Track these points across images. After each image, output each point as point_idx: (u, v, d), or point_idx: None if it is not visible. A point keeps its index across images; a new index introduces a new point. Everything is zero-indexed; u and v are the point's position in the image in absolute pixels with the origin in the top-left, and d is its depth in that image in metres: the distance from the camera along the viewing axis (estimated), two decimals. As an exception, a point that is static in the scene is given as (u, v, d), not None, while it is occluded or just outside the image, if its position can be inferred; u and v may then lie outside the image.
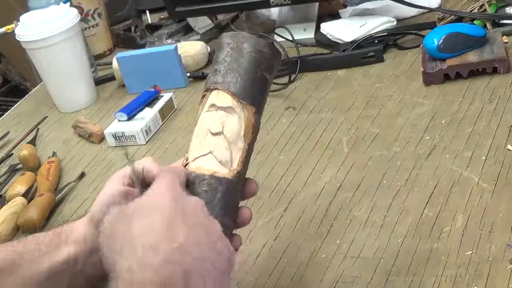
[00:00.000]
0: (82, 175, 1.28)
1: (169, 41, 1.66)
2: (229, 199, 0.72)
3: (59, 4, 1.55)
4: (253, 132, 0.74)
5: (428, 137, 1.11)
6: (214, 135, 0.72)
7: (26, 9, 1.61)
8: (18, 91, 2.54)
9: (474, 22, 1.37)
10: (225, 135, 0.72)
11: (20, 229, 1.16)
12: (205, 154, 0.72)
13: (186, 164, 0.73)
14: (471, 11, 1.41)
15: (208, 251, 0.64)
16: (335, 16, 1.57)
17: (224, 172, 0.71)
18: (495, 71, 1.22)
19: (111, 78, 1.61)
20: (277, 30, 1.51)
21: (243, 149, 0.73)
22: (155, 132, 1.36)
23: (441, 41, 1.24)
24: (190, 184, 0.71)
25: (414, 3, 1.45)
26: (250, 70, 0.75)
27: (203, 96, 0.75)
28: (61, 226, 0.76)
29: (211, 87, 0.74)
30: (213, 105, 0.73)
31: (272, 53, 0.76)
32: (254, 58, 0.75)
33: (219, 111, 0.73)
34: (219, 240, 0.66)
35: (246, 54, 0.75)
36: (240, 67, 0.74)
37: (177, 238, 0.62)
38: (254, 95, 0.75)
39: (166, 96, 1.41)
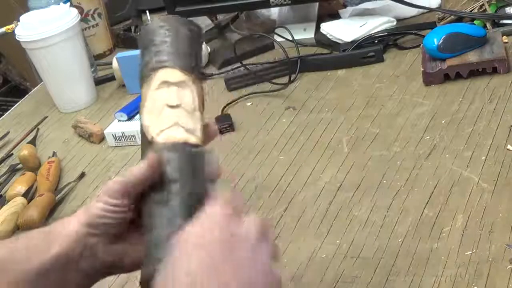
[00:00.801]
0: (82, 175, 1.28)
1: (169, 41, 1.66)
2: (204, 163, 0.72)
3: (59, 4, 1.55)
4: (203, 101, 0.77)
5: (428, 137, 1.11)
6: (173, 107, 0.74)
7: (26, 9, 1.61)
8: (18, 91, 2.54)
9: (474, 22, 1.37)
10: (183, 107, 0.74)
11: (20, 229, 1.16)
12: (171, 126, 0.73)
13: (151, 140, 0.73)
14: (471, 11, 1.41)
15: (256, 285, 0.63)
16: (335, 16, 1.57)
17: (195, 139, 0.73)
18: (495, 71, 1.22)
19: (111, 78, 1.61)
20: (277, 30, 1.51)
21: (200, 118, 0.75)
22: (155, 132, 1.36)
23: (441, 41, 1.24)
24: (165, 156, 0.71)
25: (414, 3, 1.45)
26: (190, 45, 0.78)
27: (147, 77, 0.76)
28: (53, 223, 0.76)
29: (157, 67, 0.76)
30: (164, 82, 0.75)
31: (197, 28, 0.81)
32: (189, 35, 0.79)
33: (171, 87, 0.75)
34: (269, 272, 0.65)
35: (182, 33, 0.78)
36: (181, 44, 0.77)
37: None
38: (198, 67, 0.78)
39: (166, 96, 1.41)
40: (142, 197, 0.71)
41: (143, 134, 0.74)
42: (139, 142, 1.32)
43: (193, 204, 0.68)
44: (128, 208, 0.71)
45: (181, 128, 0.73)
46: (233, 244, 0.63)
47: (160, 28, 0.78)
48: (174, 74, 0.75)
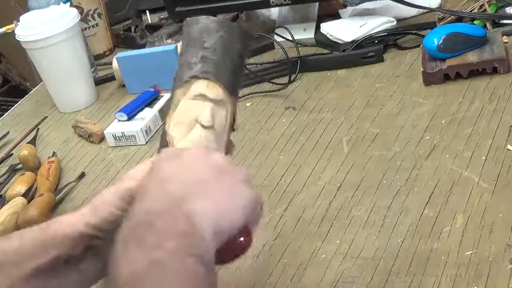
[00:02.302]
0: (82, 175, 1.28)
1: (169, 41, 1.66)
2: None
3: (59, 4, 1.55)
4: (233, 125, 0.74)
5: (428, 137, 1.11)
6: (205, 128, 0.71)
7: (26, 9, 1.61)
8: (18, 91, 2.54)
9: (474, 22, 1.37)
10: (215, 129, 0.71)
11: (20, 229, 1.16)
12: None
13: None
14: (471, 11, 1.41)
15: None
16: (335, 16, 1.57)
17: None
18: (495, 71, 1.22)
19: (111, 78, 1.61)
20: (277, 30, 1.51)
21: (225, 142, 0.73)
22: (155, 132, 1.36)
23: (441, 41, 1.24)
24: None
25: (414, 3, 1.45)
26: (239, 65, 0.74)
27: (185, 81, 0.72)
28: (50, 221, 0.73)
29: (199, 75, 0.72)
30: (202, 95, 0.71)
31: (249, 46, 0.76)
32: (242, 54, 0.74)
33: (207, 102, 0.71)
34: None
35: (235, 47, 0.73)
36: (230, 59, 0.73)
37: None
38: (238, 88, 0.75)
39: (166, 96, 1.41)
40: None
41: (164, 137, 0.72)
42: (139, 142, 1.33)
43: None
44: None
45: None
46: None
47: (216, 31, 0.73)
48: (216, 90, 0.71)
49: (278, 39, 1.49)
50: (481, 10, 1.40)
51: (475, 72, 1.23)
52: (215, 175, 0.64)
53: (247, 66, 1.44)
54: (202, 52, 0.72)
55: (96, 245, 0.69)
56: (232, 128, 0.74)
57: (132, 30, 1.79)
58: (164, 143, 0.71)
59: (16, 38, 1.50)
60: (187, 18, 0.76)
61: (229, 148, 0.74)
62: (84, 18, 1.71)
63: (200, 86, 0.71)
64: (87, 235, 0.69)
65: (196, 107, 0.71)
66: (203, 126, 0.70)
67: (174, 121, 0.71)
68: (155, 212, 0.60)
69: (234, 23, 0.74)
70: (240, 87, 0.75)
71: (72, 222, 0.70)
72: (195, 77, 0.72)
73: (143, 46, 1.69)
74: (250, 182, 0.66)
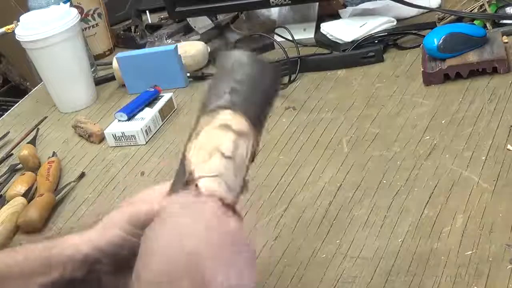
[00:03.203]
0: (82, 175, 1.28)
1: (169, 41, 1.66)
2: None
3: (59, 4, 1.55)
4: (253, 159, 0.74)
5: (428, 137, 1.11)
6: (225, 158, 0.70)
7: (26, 9, 1.61)
8: (18, 91, 2.54)
9: (474, 22, 1.37)
10: (235, 160, 0.70)
11: (20, 229, 1.16)
12: (215, 176, 0.69)
13: (190, 177, 0.70)
14: (471, 11, 1.41)
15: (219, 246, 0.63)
16: (335, 16, 1.57)
17: (229, 198, 0.70)
18: (495, 71, 1.22)
19: (111, 78, 1.61)
20: (277, 30, 1.51)
21: (245, 173, 0.72)
22: (155, 132, 1.36)
23: (441, 41, 1.24)
24: None
25: (414, 3, 1.45)
26: (268, 100, 0.75)
27: (212, 110, 0.72)
28: (57, 237, 0.72)
29: (227, 106, 0.72)
30: (226, 126, 0.71)
31: (279, 85, 0.77)
32: (271, 90, 0.75)
33: (231, 133, 0.71)
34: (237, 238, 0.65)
35: (266, 84, 0.74)
36: (260, 94, 0.73)
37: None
38: (263, 123, 0.75)
39: (166, 96, 1.41)
40: None
41: (182, 161, 0.71)
42: (139, 142, 1.33)
43: None
44: None
45: (223, 183, 0.69)
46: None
47: (248, 65, 0.73)
48: (240, 123, 0.71)
49: (278, 39, 1.49)
50: (481, 10, 1.40)
51: (475, 72, 1.23)
52: (231, 243, 0.64)
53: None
54: (232, 83, 0.73)
55: (99, 270, 0.69)
56: (252, 161, 0.74)
57: (132, 30, 1.79)
58: (182, 167, 0.71)
59: (16, 38, 1.50)
60: (222, 51, 0.76)
61: (245, 182, 0.74)
62: (84, 18, 1.71)
63: (226, 117, 0.71)
64: (91, 257, 0.68)
65: (219, 136, 0.71)
66: (223, 156, 0.70)
67: (195, 147, 0.71)
68: (173, 275, 0.60)
69: (266, 59, 0.74)
70: (266, 122, 0.75)
71: (78, 244, 0.69)
72: (222, 107, 0.72)
73: (143, 46, 1.69)
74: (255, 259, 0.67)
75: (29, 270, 0.69)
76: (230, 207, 0.67)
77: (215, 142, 0.70)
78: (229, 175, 0.70)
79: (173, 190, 0.71)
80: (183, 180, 0.70)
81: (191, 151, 0.71)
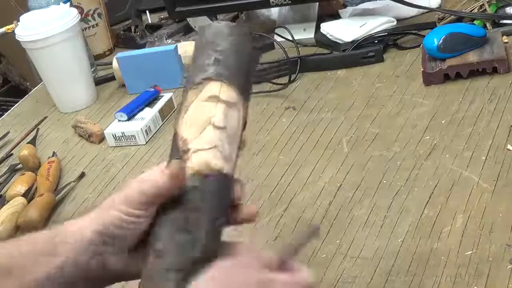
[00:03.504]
0: (82, 175, 1.28)
1: (169, 41, 1.66)
2: (230, 195, 0.71)
3: (59, 4, 1.55)
4: (244, 128, 0.74)
5: (428, 137, 1.11)
6: (218, 128, 0.70)
7: (26, 9, 1.61)
8: (18, 91, 2.54)
9: (474, 22, 1.37)
10: (227, 130, 0.71)
11: (20, 229, 1.16)
12: (210, 148, 0.69)
13: (185, 152, 0.70)
14: (471, 11, 1.41)
15: None
16: (335, 16, 1.57)
17: (228, 168, 0.70)
18: (495, 71, 1.22)
19: (111, 78, 1.61)
20: (277, 30, 1.51)
21: (237, 145, 0.72)
22: (155, 132, 1.36)
23: (441, 41, 1.24)
24: (196, 182, 0.69)
25: (414, 3, 1.45)
26: (251, 65, 0.75)
27: (198, 83, 0.72)
28: (57, 227, 0.72)
29: (212, 77, 0.71)
30: (215, 97, 0.71)
31: (259, 48, 0.77)
32: (253, 54, 0.75)
33: (220, 104, 0.71)
34: None
35: (247, 50, 0.74)
36: (243, 62, 0.73)
37: None
38: (250, 91, 0.75)
39: (166, 96, 1.41)
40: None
41: (175, 138, 0.71)
42: (139, 142, 1.33)
43: (215, 241, 0.67)
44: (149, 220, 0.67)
45: (219, 153, 0.69)
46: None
47: (228, 35, 0.73)
48: (229, 93, 0.71)
49: (278, 39, 1.49)
50: (481, 10, 1.40)
51: (475, 72, 1.23)
52: None
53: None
54: (215, 55, 0.72)
55: (103, 254, 0.68)
56: (243, 129, 0.74)
57: (132, 30, 1.79)
58: (175, 143, 0.71)
59: (16, 38, 1.50)
60: (200, 25, 0.76)
61: (241, 147, 0.74)
62: (84, 18, 1.71)
63: (213, 88, 0.71)
64: (93, 242, 0.68)
65: (209, 108, 0.71)
66: (215, 127, 0.70)
67: (186, 122, 0.71)
68: None
69: (246, 27, 0.74)
70: (251, 89, 0.75)
71: (79, 229, 0.70)
72: (209, 79, 0.72)
73: (143, 46, 1.69)
74: None
75: (34, 260, 0.69)
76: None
77: (206, 114, 0.70)
78: (224, 146, 0.70)
79: (169, 163, 0.70)
80: (178, 155, 0.69)
81: (182, 126, 0.71)
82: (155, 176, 0.68)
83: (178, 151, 0.70)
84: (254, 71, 0.75)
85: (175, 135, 0.71)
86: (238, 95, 0.72)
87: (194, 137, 0.70)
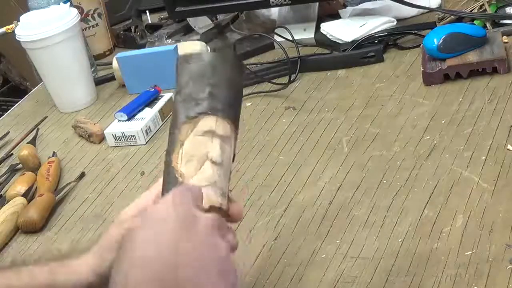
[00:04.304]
0: (82, 175, 1.28)
1: (169, 41, 1.66)
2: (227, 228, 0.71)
3: (59, 4, 1.55)
4: (233, 160, 0.74)
5: (428, 137, 1.11)
6: (216, 164, 0.70)
7: (26, 9, 1.61)
8: (18, 91, 2.54)
9: (474, 22, 1.37)
10: (223, 165, 0.71)
11: (20, 229, 1.16)
12: (209, 185, 0.69)
13: None
14: (471, 11, 1.41)
15: (210, 272, 0.61)
16: (335, 16, 1.57)
17: (224, 203, 0.70)
18: (495, 71, 1.22)
19: (111, 78, 1.61)
20: (277, 30, 1.51)
21: (229, 178, 0.72)
22: (155, 132, 1.36)
23: (441, 41, 1.24)
24: None
25: (414, 3, 1.45)
26: (240, 97, 0.75)
27: (193, 117, 0.71)
28: (60, 262, 0.72)
29: (208, 112, 0.71)
30: (211, 132, 0.71)
31: (245, 74, 0.77)
32: (242, 85, 0.75)
33: (216, 139, 0.71)
34: (226, 264, 0.63)
35: (238, 81, 0.74)
36: (235, 94, 0.74)
37: (179, 252, 0.60)
38: (239, 121, 0.74)
39: (166, 96, 1.41)
40: None
41: (171, 173, 0.70)
42: (139, 142, 1.33)
43: None
44: None
45: (218, 189, 0.70)
46: (194, 225, 0.62)
47: (220, 67, 0.72)
48: (223, 127, 0.71)
49: (278, 39, 1.49)
50: (481, 10, 1.40)
51: (475, 72, 1.23)
52: (219, 267, 0.62)
53: (248, 66, 1.44)
54: (208, 88, 0.72)
55: None
56: (233, 160, 0.74)
57: (132, 30, 1.79)
58: (173, 179, 0.70)
59: (16, 38, 1.50)
60: (181, 54, 0.76)
61: (230, 178, 0.74)
62: (84, 18, 1.71)
63: (209, 123, 0.71)
64: (96, 283, 0.69)
65: (205, 143, 0.71)
66: (213, 163, 0.70)
67: (183, 157, 0.71)
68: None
69: (232, 55, 0.73)
70: (239, 117, 0.75)
71: (81, 271, 0.70)
72: (204, 113, 0.71)
73: (143, 46, 1.69)
74: None
75: None
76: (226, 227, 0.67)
77: (203, 150, 0.70)
78: (221, 181, 0.70)
79: (164, 194, 0.70)
80: (174, 184, 0.69)
81: (179, 161, 0.70)
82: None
83: (173, 186, 0.69)
84: (241, 100, 0.75)
85: (169, 169, 0.71)
86: (231, 128, 0.72)
87: (193, 174, 0.70)
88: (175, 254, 0.60)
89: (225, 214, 0.70)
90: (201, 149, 0.70)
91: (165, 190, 0.71)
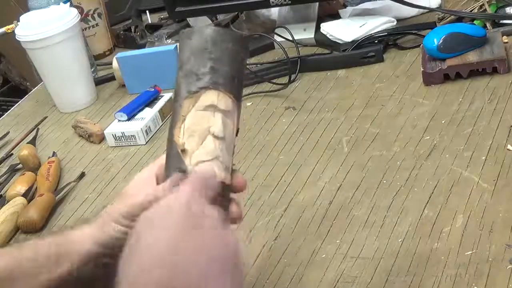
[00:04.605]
0: (82, 175, 1.28)
1: (169, 41, 1.66)
2: (229, 200, 0.71)
3: (59, 4, 1.55)
4: (237, 135, 0.74)
5: (428, 137, 1.11)
6: (218, 139, 0.70)
7: (26, 9, 1.61)
8: (18, 91, 2.54)
9: (474, 22, 1.37)
10: (226, 139, 0.71)
11: (20, 229, 1.16)
12: (212, 159, 0.69)
13: (186, 165, 0.69)
14: (471, 11, 1.41)
15: (220, 266, 0.61)
16: (335, 16, 1.57)
17: (228, 177, 0.70)
18: (495, 71, 1.22)
19: (111, 78, 1.61)
20: (277, 30, 1.51)
21: (232, 153, 0.72)
22: (155, 132, 1.36)
23: (441, 41, 1.24)
24: None
25: (414, 3, 1.45)
26: (243, 72, 0.74)
27: (194, 91, 0.71)
28: (61, 234, 0.72)
29: (210, 86, 0.71)
30: (213, 106, 0.70)
31: (247, 50, 0.76)
32: (244, 59, 0.74)
33: (218, 113, 0.70)
34: (236, 257, 0.63)
35: (240, 56, 0.73)
36: (237, 69, 0.73)
37: (182, 255, 0.60)
38: (242, 94, 0.74)
39: (166, 96, 1.41)
40: None
41: (172, 147, 0.70)
42: (139, 142, 1.33)
43: None
44: None
45: (221, 164, 0.69)
46: (201, 223, 0.63)
47: (221, 41, 0.72)
48: (225, 101, 0.71)
49: (278, 39, 1.49)
50: (481, 10, 1.40)
51: (475, 72, 1.23)
52: (224, 260, 0.62)
53: (248, 66, 1.44)
54: (209, 62, 0.71)
55: (106, 264, 0.69)
56: (237, 134, 0.74)
57: (132, 30, 1.79)
58: (176, 154, 0.70)
59: (16, 38, 1.50)
60: (184, 30, 0.75)
61: (233, 153, 0.74)
62: (84, 18, 1.71)
63: (211, 97, 0.71)
64: (94, 252, 0.69)
65: (207, 118, 0.70)
66: (215, 137, 0.70)
67: (185, 132, 0.70)
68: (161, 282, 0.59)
69: (235, 31, 0.73)
70: (242, 93, 0.75)
71: (82, 240, 0.70)
72: (205, 88, 0.71)
73: (143, 46, 1.69)
74: None
75: (38, 266, 0.70)
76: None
77: (205, 124, 0.70)
78: (224, 155, 0.70)
79: (167, 175, 0.70)
80: (179, 166, 0.69)
81: (181, 136, 0.70)
82: (154, 189, 0.68)
83: (176, 161, 0.70)
84: (244, 74, 0.75)
85: (172, 144, 0.71)
86: (233, 103, 0.72)
87: (195, 148, 0.69)
88: (183, 253, 0.60)
89: (228, 188, 0.70)
90: (203, 123, 0.70)
91: (167, 164, 0.71)
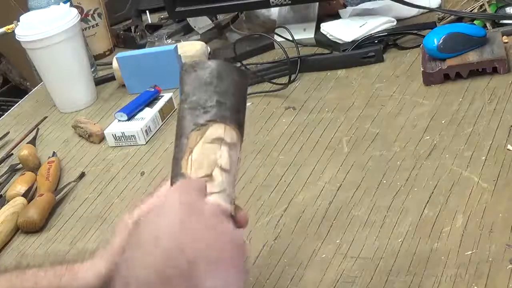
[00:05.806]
0: (82, 175, 1.28)
1: (169, 41, 1.67)
2: None
3: (59, 4, 1.55)
4: (238, 165, 0.75)
5: (428, 137, 1.11)
6: (225, 171, 0.71)
7: (26, 9, 1.61)
8: (18, 91, 2.54)
9: (474, 22, 1.37)
10: (231, 171, 0.72)
11: (20, 229, 1.16)
12: (220, 192, 0.70)
13: None
14: (471, 11, 1.41)
15: (221, 252, 0.63)
16: (335, 16, 1.57)
17: (232, 210, 0.71)
18: (495, 71, 1.22)
19: (111, 78, 1.61)
20: (277, 30, 1.51)
21: (235, 184, 0.73)
22: (155, 132, 1.36)
23: (441, 41, 1.24)
24: None
25: (414, 3, 1.45)
26: (245, 104, 0.75)
27: (202, 124, 0.72)
28: (63, 265, 0.71)
29: (217, 120, 0.72)
30: (220, 139, 0.71)
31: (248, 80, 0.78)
32: (246, 93, 0.76)
33: (224, 146, 0.72)
34: (237, 242, 0.65)
35: (244, 90, 0.75)
36: (242, 102, 0.74)
37: (185, 236, 0.62)
38: (244, 128, 0.75)
39: (166, 96, 1.41)
40: None
41: (179, 177, 0.71)
42: (139, 142, 1.33)
43: None
44: None
45: (227, 196, 0.70)
46: (200, 211, 0.65)
47: (228, 75, 0.73)
48: (231, 134, 0.72)
49: (278, 39, 1.49)
50: (481, 10, 1.40)
51: (475, 72, 1.23)
52: (229, 247, 0.64)
53: (248, 66, 1.44)
54: (216, 96, 0.73)
55: None
56: (238, 166, 0.75)
57: (132, 30, 1.79)
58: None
59: (16, 38, 1.50)
60: (186, 62, 0.76)
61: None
62: (84, 18, 1.71)
63: (218, 131, 0.72)
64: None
65: (214, 151, 0.71)
66: (222, 169, 0.71)
67: (193, 164, 0.71)
68: (165, 271, 0.61)
69: (241, 68, 0.74)
70: (244, 124, 0.76)
71: (87, 276, 0.70)
72: (212, 121, 0.72)
73: (143, 46, 1.70)
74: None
75: None
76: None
77: (212, 157, 0.71)
78: (230, 188, 0.71)
79: None
80: None
81: (188, 167, 0.71)
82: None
83: None
84: (246, 107, 0.76)
85: (180, 176, 0.71)
86: (238, 135, 0.73)
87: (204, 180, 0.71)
88: (183, 239, 0.62)
89: (233, 221, 0.71)
90: (210, 156, 0.71)
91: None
